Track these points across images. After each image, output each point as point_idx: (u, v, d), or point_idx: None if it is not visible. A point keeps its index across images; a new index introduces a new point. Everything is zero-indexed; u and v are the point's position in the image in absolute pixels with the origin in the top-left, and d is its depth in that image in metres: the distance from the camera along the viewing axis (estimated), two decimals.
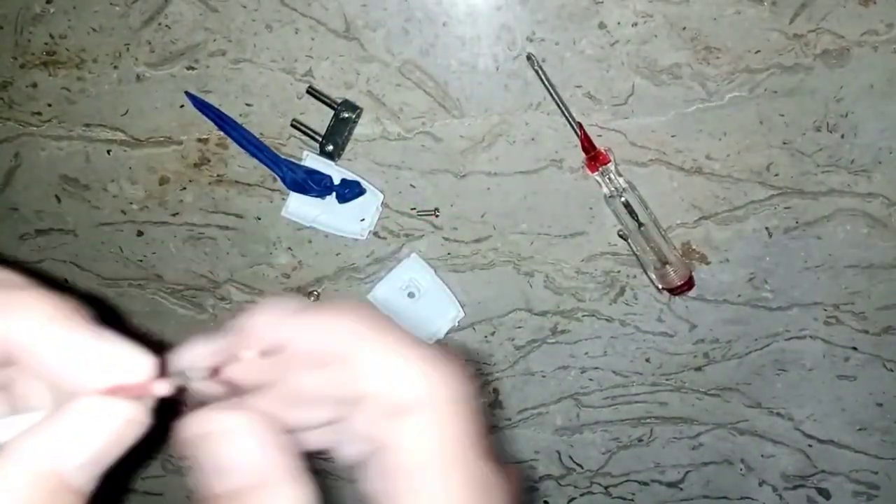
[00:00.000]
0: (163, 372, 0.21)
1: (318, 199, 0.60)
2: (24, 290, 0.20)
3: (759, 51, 0.55)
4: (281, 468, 0.23)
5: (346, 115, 0.57)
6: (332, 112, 0.58)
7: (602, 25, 0.55)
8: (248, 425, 0.22)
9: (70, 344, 0.20)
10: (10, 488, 0.18)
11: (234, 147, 0.60)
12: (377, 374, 0.24)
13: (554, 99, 0.56)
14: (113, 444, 0.20)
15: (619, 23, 0.55)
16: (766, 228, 0.61)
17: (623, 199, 0.58)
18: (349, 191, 0.59)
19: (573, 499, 0.72)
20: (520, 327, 0.65)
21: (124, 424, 0.20)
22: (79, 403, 0.19)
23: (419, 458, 0.24)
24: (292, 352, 0.24)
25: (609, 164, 0.57)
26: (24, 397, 0.23)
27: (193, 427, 0.22)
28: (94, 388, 0.20)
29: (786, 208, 0.60)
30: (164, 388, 0.21)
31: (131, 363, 0.20)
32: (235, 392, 0.24)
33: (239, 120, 0.59)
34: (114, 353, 0.20)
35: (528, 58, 0.55)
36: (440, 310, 0.63)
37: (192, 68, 0.58)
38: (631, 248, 0.60)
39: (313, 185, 0.59)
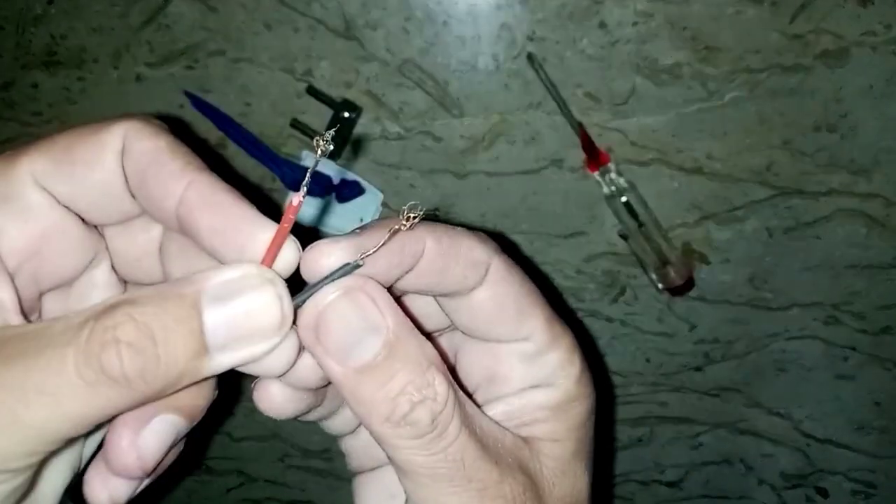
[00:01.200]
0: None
1: (318, 199, 0.60)
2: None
3: (759, 51, 0.55)
4: (408, 325, 0.22)
5: (346, 115, 0.57)
6: (331, 112, 0.58)
7: (602, 25, 0.55)
8: (377, 288, 0.22)
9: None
10: (145, 294, 0.19)
11: (233, 147, 0.60)
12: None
13: (554, 98, 0.56)
14: (250, 313, 0.20)
15: (619, 22, 0.55)
16: (767, 228, 0.61)
17: (623, 198, 0.58)
18: (349, 191, 0.59)
19: None
20: None
21: (273, 308, 0.20)
22: (241, 264, 0.21)
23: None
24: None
25: (609, 164, 0.57)
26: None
27: (327, 297, 0.21)
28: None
29: (786, 208, 0.60)
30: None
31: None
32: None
33: (238, 119, 0.59)
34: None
35: (529, 57, 0.56)
36: None
37: (192, 68, 0.58)
38: (631, 248, 0.60)
39: (313, 184, 0.59)
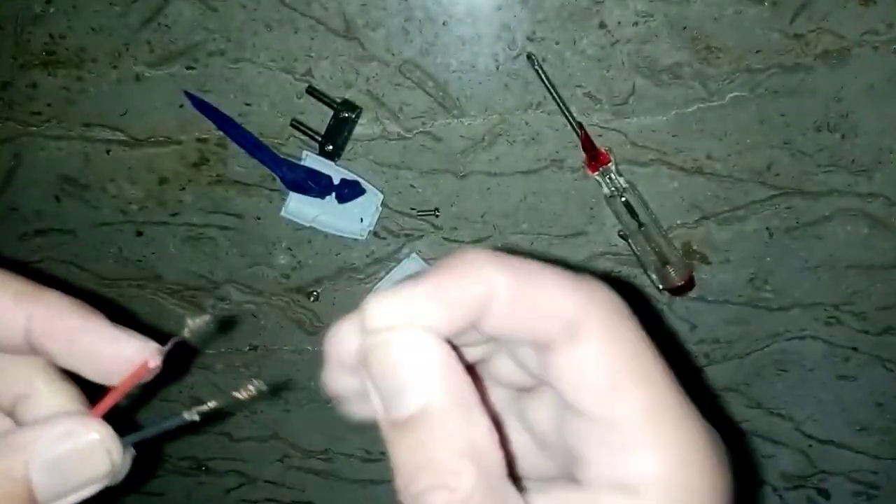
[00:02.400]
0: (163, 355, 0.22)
1: (318, 199, 0.60)
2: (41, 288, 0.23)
3: (759, 51, 0.55)
4: (460, 396, 0.19)
5: (346, 115, 0.57)
6: (331, 112, 0.57)
7: (602, 25, 0.55)
8: (432, 343, 0.19)
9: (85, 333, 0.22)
10: None
11: (233, 147, 0.60)
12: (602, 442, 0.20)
13: (554, 99, 0.56)
14: (80, 462, 0.20)
15: (619, 22, 0.55)
16: (767, 228, 0.60)
17: (623, 199, 0.58)
18: (349, 191, 0.59)
19: None
20: None
21: (95, 443, 0.20)
22: (63, 419, 0.21)
23: None
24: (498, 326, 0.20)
25: (609, 164, 0.57)
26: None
27: (370, 340, 0.19)
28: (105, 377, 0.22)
29: (787, 208, 0.60)
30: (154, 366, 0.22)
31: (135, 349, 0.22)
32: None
33: (238, 119, 0.59)
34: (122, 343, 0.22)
35: (529, 57, 0.55)
36: None
37: (192, 68, 0.58)
38: (631, 248, 0.60)
39: (313, 185, 0.59)
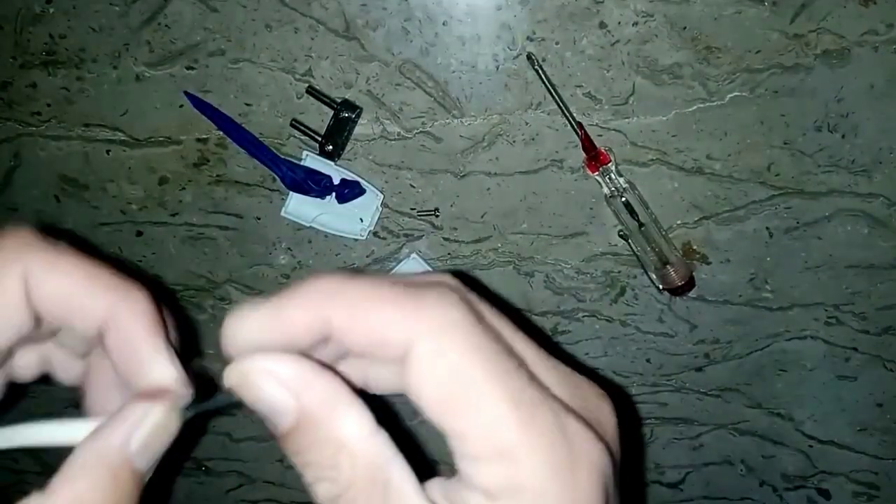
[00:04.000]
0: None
1: (318, 200, 0.60)
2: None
3: (759, 51, 0.55)
4: (324, 403, 0.21)
5: (346, 115, 0.57)
6: (331, 112, 0.57)
7: (602, 25, 0.55)
8: (284, 366, 0.21)
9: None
10: (84, 471, 0.21)
11: (233, 147, 0.60)
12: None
13: (554, 99, 0.56)
14: (160, 432, 0.22)
15: (619, 22, 0.55)
16: (767, 228, 0.60)
17: (623, 199, 0.58)
18: (349, 191, 0.59)
19: None
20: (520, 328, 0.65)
21: (167, 412, 0.22)
22: (138, 403, 0.23)
23: None
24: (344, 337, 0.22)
25: (609, 164, 0.57)
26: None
27: (232, 375, 0.22)
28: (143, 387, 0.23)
29: (786, 208, 0.60)
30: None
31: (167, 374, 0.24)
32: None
33: (238, 120, 0.59)
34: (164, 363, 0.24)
35: (529, 58, 0.55)
36: None
37: (192, 68, 0.58)
38: (631, 248, 0.60)
39: (313, 185, 0.59)
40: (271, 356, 0.21)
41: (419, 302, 0.21)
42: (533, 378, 0.21)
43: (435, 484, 0.21)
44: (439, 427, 0.21)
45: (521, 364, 0.21)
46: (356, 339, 0.21)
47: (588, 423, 0.21)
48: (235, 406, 0.23)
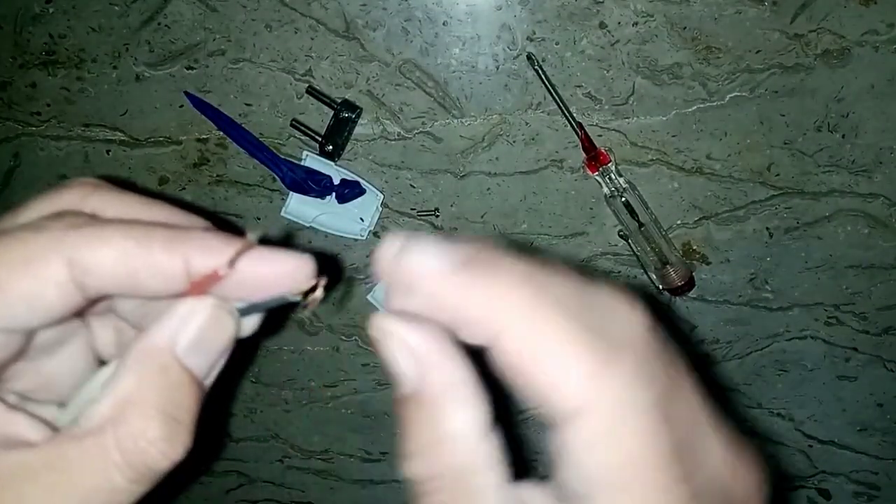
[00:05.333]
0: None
1: (318, 200, 0.60)
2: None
3: (759, 51, 0.55)
4: (449, 390, 0.20)
5: (346, 115, 0.57)
6: (331, 112, 0.57)
7: (602, 25, 0.55)
8: (422, 337, 0.20)
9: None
10: (133, 366, 0.21)
11: (233, 147, 0.60)
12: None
13: (554, 99, 0.56)
14: (212, 331, 0.22)
15: (619, 23, 0.55)
16: (767, 229, 0.60)
17: (623, 199, 0.58)
18: (349, 191, 0.59)
19: None
20: None
21: (213, 310, 0.22)
22: (184, 301, 0.22)
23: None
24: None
25: (609, 164, 0.57)
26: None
27: (372, 329, 0.21)
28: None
29: (786, 208, 0.60)
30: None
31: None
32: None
33: (238, 120, 0.59)
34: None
35: (529, 58, 0.55)
36: None
37: (192, 68, 0.58)
38: (631, 248, 0.60)
39: (313, 185, 0.59)
40: (413, 325, 0.20)
41: (608, 361, 0.18)
42: (695, 467, 0.19)
43: (531, 490, 0.20)
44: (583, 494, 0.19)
45: (690, 447, 0.19)
46: (513, 376, 0.19)
47: None
48: (292, 305, 0.23)
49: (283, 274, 0.23)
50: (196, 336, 0.22)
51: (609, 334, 0.19)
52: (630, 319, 0.20)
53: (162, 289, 0.23)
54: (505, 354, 0.19)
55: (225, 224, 0.26)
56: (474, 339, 0.20)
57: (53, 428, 0.22)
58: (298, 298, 0.23)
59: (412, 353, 0.20)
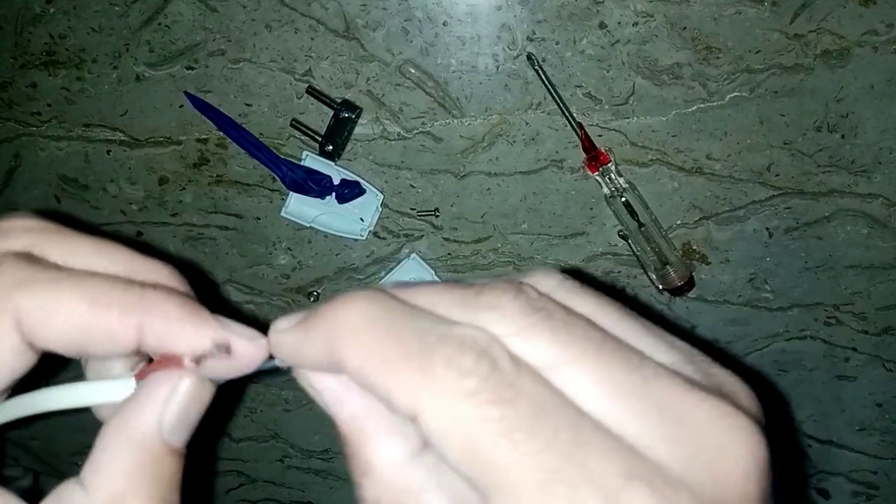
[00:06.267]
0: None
1: (318, 200, 0.60)
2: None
3: (759, 51, 0.55)
4: (359, 422, 0.20)
5: (346, 115, 0.57)
6: (331, 112, 0.57)
7: (602, 25, 0.55)
8: (326, 379, 0.21)
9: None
10: (119, 456, 0.20)
11: (233, 147, 0.60)
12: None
13: (554, 99, 0.56)
14: (192, 403, 0.22)
15: (619, 23, 0.55)
16: (767, 229, 0.61)
17: (623, 199, 0.58)
18: (349, 191, 0.59)
19: None
20: None
21: (196, 383, 0.22)
22: (161, 378, 0.22)
23: None
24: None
25: (609, 164, 0.57)
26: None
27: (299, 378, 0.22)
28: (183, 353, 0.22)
29: (786, 209, 0.60)
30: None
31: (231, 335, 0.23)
32: None
33: (238, 120, 0.59)
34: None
35: (529, 58, 0.55)
36: None
37: (192, 68, 0.58)
38: (631, 248, 0.60)
39: (313, 185, 0.59)
40: (311, 373, 0.21)
41: (427, 362, 0.18)
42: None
43: None
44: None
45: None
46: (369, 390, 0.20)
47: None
48: (266, 373, 0.23)
49: (249, 360, 0.23)
50: (181, 415, 0.21)
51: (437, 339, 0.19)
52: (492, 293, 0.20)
53: (110, 353, 0.22)
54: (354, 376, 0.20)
55: (186, 266, 0.25)
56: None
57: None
58: (274, 365, 0.23)
59: (327, 396, 0.21)
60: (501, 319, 0.18)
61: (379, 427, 0.20)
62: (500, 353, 0.18)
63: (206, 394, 0.22)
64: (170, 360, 0.22)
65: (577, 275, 0.20)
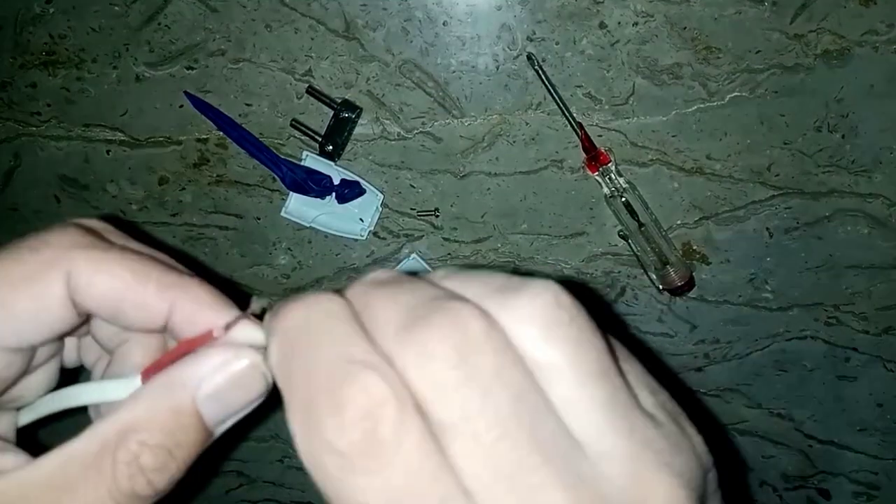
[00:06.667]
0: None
1: (318, 200, 0.60)
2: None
3: (759, 51, 0.55)
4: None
5: (346, 115, 0.57)
6: (331, 112, 0.57)
7: (602, 25, 0.55)
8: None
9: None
10: (150, 395, 0.21)
11: (233, 147, 0.60)
12: None
13: (554, 99, 0.56)
14: (239, 388, 0.22)
15: (619, 23, 0.55)
16: (767, 229, 0.60)
17: (623, 199, 0.58)
18: (349, 191, 0.59)
19: None
20: None
21: (248, 369, 0.22)
22: (217, 350, 0.22)
23: None
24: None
25: (609, 164, 0.57)
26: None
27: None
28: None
29: (786, 209, 0.60)
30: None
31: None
32: None
33: (238, 120, 0.59)
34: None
35: (529, 58, 0.55)
36: None
37: (192, 68, 0.58)
38: (631, 248, 0.60)
39: (313, 185, 0.59)
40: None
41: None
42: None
43: None
44: None
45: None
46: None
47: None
48: None
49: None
50: (222, 388, 0.22)
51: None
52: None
53: (140, 325, 0.24)
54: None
55: (186, 266, 0.26)
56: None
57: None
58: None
59: None
60: (532, 311, 0.18)
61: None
62: (510, 341, 0.18)
63: (257, 385, 0.22)
64: (194, 342, 0.22)
65: (569, 285, 0.19)
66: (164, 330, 0.24)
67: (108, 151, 0.61)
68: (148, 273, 0.23)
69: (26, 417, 0.25)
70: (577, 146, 0.57)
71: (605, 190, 0.58)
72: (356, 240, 0.62)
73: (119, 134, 0.60)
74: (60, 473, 0.20)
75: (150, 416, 0.21)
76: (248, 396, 0.22)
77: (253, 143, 0.59)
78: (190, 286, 0.24)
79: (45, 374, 0.26)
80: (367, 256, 0.63)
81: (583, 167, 0.58)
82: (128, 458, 0.20)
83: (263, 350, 0.22)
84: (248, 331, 0.23)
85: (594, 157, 0.57)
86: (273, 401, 0.23)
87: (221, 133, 0.59)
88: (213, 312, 0.23)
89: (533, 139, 0.58)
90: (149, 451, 0.21)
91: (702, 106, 0.57)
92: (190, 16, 0.56)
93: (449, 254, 0.62)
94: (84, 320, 0.24)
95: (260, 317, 0.23)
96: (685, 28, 0.55)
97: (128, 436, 0.21)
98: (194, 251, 0.64)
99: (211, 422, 0.22)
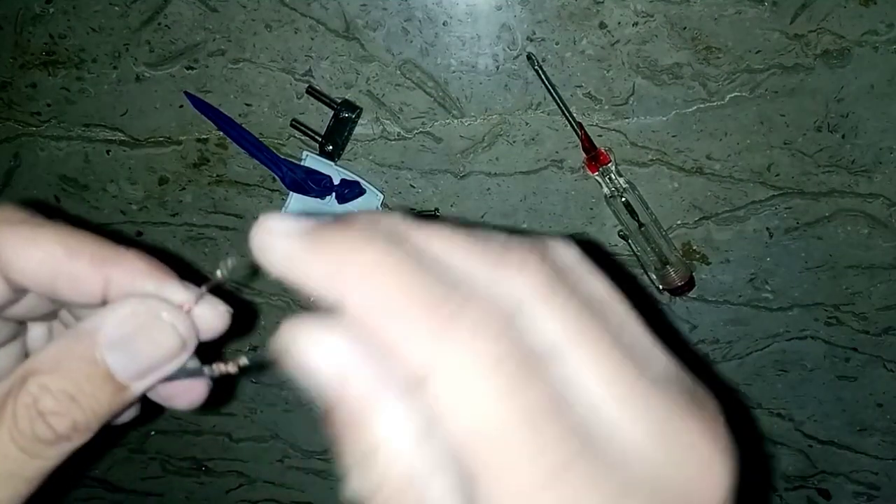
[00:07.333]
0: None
1: (318, 200, 0.60)
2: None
3: (759, 51, 0.55)
4: (370, 398, 0.17)
5: (346, 115, 0.57)
6: (331, 112, 0.57)
7: (602, 25, 0.55)
8: (336, 336, 0.17)
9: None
10: (49, 361, 0.21)
11: (233, 147, 0.60)
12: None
13: (554, 99, 0.56)
14: (146, 340, 0.22)
15: (619, 23, 0.55)
16: (767, 229, 0.60)
17: (623, 199, 0.58)
18: (349, 191, 0.59)
19: None
20: None
21: (152, 319, 0.22)
22: (127, 301, 0.22)
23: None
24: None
25: (609, 164, 0.57)
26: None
27: (281, 339, 0.18)
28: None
29: (786, 209, 0.60)
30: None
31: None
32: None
33: (238, 120, 0.59)
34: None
35: (529, 58, 0.55)
36: None
37: (192, 68, 0.58)
38: (631, 248, 0.60)
39: (313, 185, 0.59)
40: (317, 335, 0.17)
41: (452, 315, 0.16)
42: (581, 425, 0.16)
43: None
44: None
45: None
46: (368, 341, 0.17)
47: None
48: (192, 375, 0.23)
49: (209, 326, 0.24)
50: (125, 337, 0.22)
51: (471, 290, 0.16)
52: (521, 268, 0.17)
53: (77, 299, 0.23)
54: (353, 319, 0.17)
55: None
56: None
57: None
58: (214, 373, 0.24)
59: (330, 360, 0.17)
60: (523, 285, 0.16)
61: (388, 395, 0.16)
62: (524, 324, 0.16)
63: (166, 336, 0.22)
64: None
65: (590, 248, 0.18)
66: (103, 303, 0.24)
67: (108, 151, 0.61)
68: (81, 247, 0.23)
69: None
70: (577, 146, 0.57)
71: (605, 190, 0.58)
72: None
73: (119, 134, 0.60)
74: None
75: (54, 361, 0.21)
76: (158, 351, 0.22)
77: (253, 143, 0.59)
78: (125, 258, 0.23)
79: (5, 358, 0.26)
80: None
81: (583, 167, 0.58)
82: (27, 401, 0.20)
83: (187, 309, 0.22)
84: (170, 289, 0.23)
85: (594, 157, 0.57)
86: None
87: (221, 133, 0.59)
88: (151, 282, 0.23)
89: (533, 139, 0.58)
90: (49, 395, 0.21)
91: (702, 106, 0.57)
92: (190, 16, 0.56)
93: None
94: (19, 297, 0.24)
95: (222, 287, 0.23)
96: (685, 28, 0.55)
97: (29, 379, 0.21)
98: (194, 251, 0.64)
99: (120, 373, 0.21)
